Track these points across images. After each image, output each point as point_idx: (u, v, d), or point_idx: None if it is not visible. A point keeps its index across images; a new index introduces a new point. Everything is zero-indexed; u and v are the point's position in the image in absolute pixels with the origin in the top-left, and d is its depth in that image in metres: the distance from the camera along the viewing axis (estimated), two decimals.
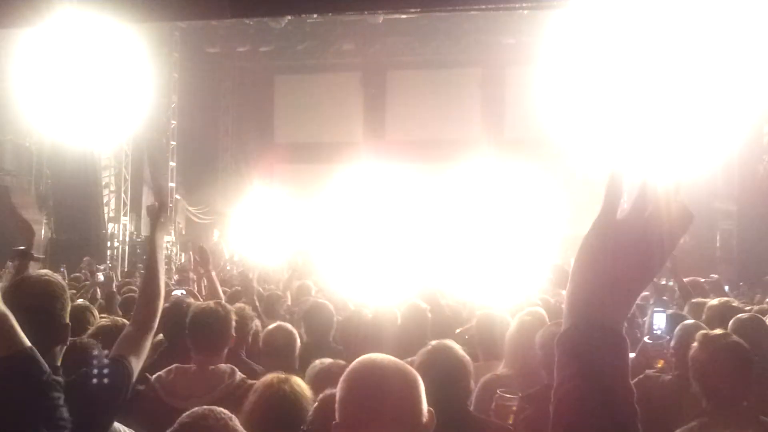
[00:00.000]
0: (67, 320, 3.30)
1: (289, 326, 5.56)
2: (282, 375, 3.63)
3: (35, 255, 3.82)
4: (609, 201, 1.44)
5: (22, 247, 4.52)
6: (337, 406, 2.50)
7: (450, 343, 3.82)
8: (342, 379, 2.54)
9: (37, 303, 3.13)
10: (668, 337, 5.30)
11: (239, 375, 4.44)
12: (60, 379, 2.67)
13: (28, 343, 2.59)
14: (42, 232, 20.19)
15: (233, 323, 4.88)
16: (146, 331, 3.39)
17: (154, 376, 4.48)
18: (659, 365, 5.62)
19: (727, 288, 11.62)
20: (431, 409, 2.50)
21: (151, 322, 3.43)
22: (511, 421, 3.96)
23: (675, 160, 1.42)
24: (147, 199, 23.04)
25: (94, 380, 3.10)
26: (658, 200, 1.39)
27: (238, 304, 6.23)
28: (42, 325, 3.11)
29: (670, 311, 6.27)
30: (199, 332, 4.69)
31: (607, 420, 1.36)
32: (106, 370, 3.19)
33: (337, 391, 2.53)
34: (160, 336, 5.43)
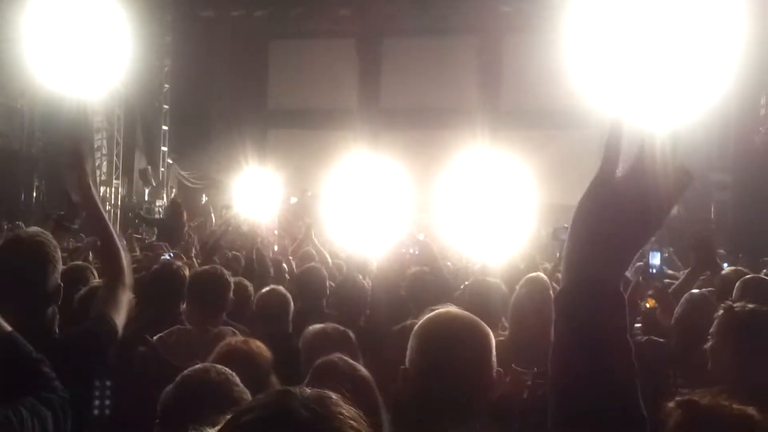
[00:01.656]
0: (59, 280, 3.27)
1: (282, 290, 5.58)
2: (241, 337, 3.70)
3: (69, 225, 3.75)
4: (607, 160, 1.45)
5: (61, 213, 4.46)
6: (409, 354, 2.62)
7: (452, 306, 3.82)
8: (415, 331, 2.67)
9: (28, 264, 3.11)
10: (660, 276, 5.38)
11: (237, 337, 4.48)
12: (43, 357, 2.63)
13: (8, 328, 2.55)
14: (34, 194, 20.17)
15: (231, 287, 4.92)
16: (118, 286, 3.35)
17: (156, 337, 4.51)
18: (649, 305, 5.69)
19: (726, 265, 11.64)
20: (500, 369, 2.58)
21: (120, 277, 3.39)
22: (526, 396, 3.96)
23: (674, 121, 1.40)
24: (139, 162, 22.99)
25: (80, 339, 3.08)
26: (656, 159, 1.39)
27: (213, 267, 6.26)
28: (34, 285, 3.09)
29: (665, 254, 6.35)
30: (199, 296, 4.73)
31: (605, 376, 1.37)
32: (90, 329, 3.16)
33: (411, 341, 2.65)
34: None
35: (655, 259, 5.89)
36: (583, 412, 1.36)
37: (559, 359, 1.43)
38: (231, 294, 4.89)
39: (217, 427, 1.39)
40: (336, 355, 2.96)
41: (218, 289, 4.78)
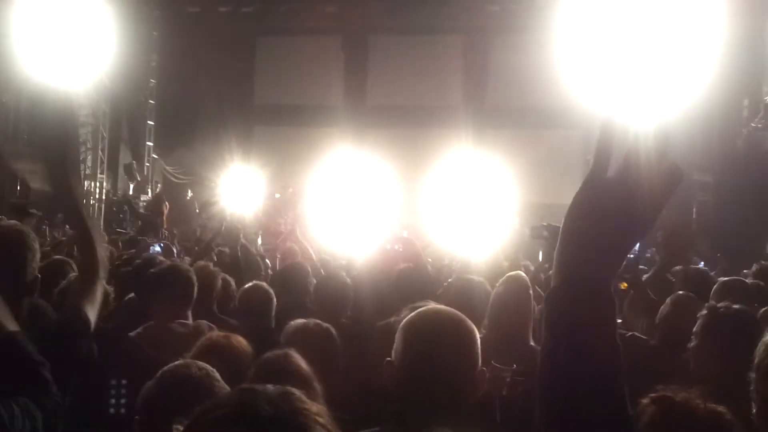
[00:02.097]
0: (37, 273, 3.27)
1: (265, 285, 5.60)
2: (222, 333, 3.70)
3: (31, 210, 3.72)
4: (599, 159, 1.44)
5: (17, 201, 4.44)
6: (394, 347, 2.68)
7: (433, 303, 3.85)
8: (402, 326, 2.72)
9: (6, 253, 3.10)
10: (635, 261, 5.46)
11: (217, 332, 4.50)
12: (44, 360, 2.64)
13: (11, 327, 2.56)
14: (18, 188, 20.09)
15: (194, 281, 4.91)
16: (91, 280, 3.33)
17: (134, 333, 4.51)
18: (623, 287, 5.76)
19: (702, 264, 11.70)
20: (484, 368, 2.65)
21: (94, 270, 3.37)
22: (504, 393, 3.98)
23: (664, 121, 1.41)
24: (124, 157, 22.93)
25: (51, 332, 3.07)
26: (647, 158, 1.39)
27: (200, 263, 6.27)
28: (12, 276, 3.08)
29: (647, 254, 6.44)
30: (160, 289, 4.75)
31: (594, 376, 1.37)
32: (61, 321, 3.16)
33: (397, 335, 2.70)
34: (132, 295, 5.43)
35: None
36: (571, 411, 1.37)
37: (548, 358, 1.43)
38: (194, 288, 4.88)
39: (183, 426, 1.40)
40: (282, 351, 2.95)
41: (177, 282, 4.78)
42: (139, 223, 17.19)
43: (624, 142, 1.43)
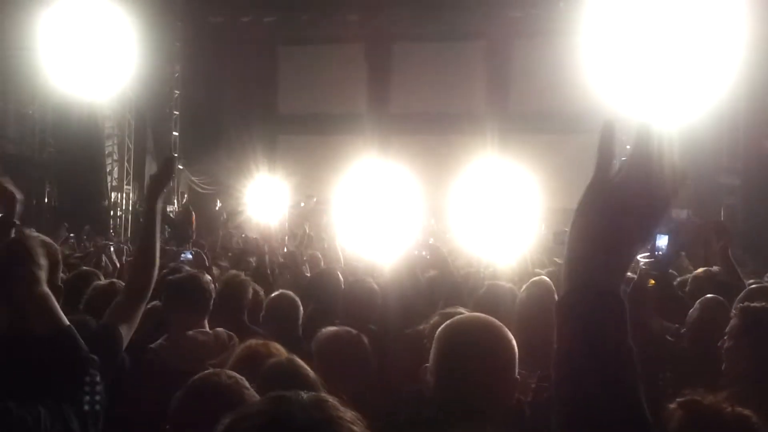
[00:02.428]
0: (59, 283, 3.29)
1: (291, 294, 5.59)
2: (260, 340, 3.70)
3: (18, 223, 3.74)
4: (601, 163, 1.45)
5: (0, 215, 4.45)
6: (431, 355, 2.68)
7: (462, 309, 3.85)
8: (438, 333, 2.72)
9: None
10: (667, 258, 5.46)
11: (236, 340, 4.53)
12: (96, 358, 2.65)
13: (66, 321, 2.58)
14: (45, 200, 20.23)
15: (210, 290, 4.92)
16: (139, 299, 3.37)
17: (155, 344, 4.52)
18: (650, 283, 5.73)
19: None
20: (523, 372, 2.71)
21: (145, 291, 3.41)
22: (530, 399, 3.96)
23: (671, 122, 1.40)
24: (150, 168, 23.04)
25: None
26: (649, 158, 1.38)
27: (232, 272, 6.28)
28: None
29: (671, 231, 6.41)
30: (177, 299, 4.76)
31: (608, 381, 1.37)
32: (95, 337, 3.17)
33: (434, 342, 2.70)
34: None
35: (662, 240, 5.92)
36: (586, 416, 1.37)
37: (562, 364, 1.43)
38: (209, 297, 4.89)
39: None
40: (217, 369, 2.92)
41: (192, 291, 4.79)
42: (167, 228, 17.23)
43: (625, 145, 1.43)
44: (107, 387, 3.12)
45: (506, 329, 2.74)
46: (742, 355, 3.81)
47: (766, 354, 3.69)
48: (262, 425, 1.32)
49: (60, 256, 3.39)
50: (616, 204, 1.41)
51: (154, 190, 3.73)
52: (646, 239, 1.46)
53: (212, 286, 4.99)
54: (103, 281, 5.52)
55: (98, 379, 2.58)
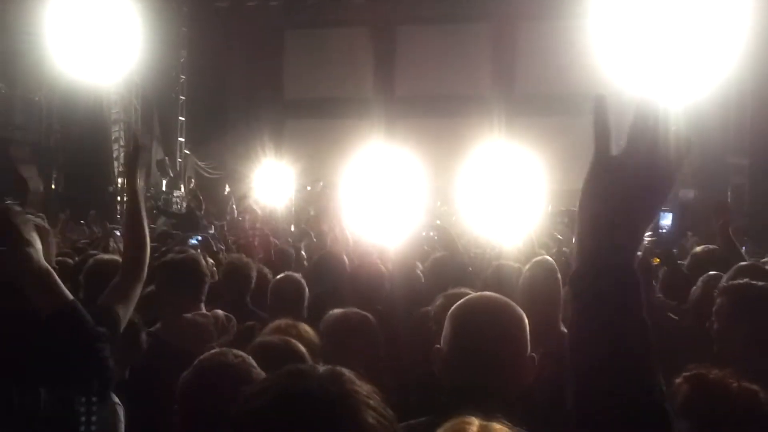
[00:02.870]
0: (55, 265, 3.31)
1: (297, 276, 5.59)
2: (290, 320, 3.69)
3: (26, 211, 3.75)
4: (599, 140, 1.45)
5: (9, 201, 4.44)
6: (444, 334, 2.67)
7: (467, 290, 3.85)
8: (451, 313, 2.71)
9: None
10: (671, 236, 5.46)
11: (235, 322, 4.56)
12: (104, 330, 2.66)
13: (70, 296, 2.58)
14: (52, 186, 20.25)
15: (205, 272, 4.91)
16: (134, 280, 3.36)
17: (153, 328, 4.52)
18: (655, 262, 5.72)
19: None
20: (533, 354, 2.66)
21: (139, 271, 3.40)
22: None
23: (676, 99, 1.40)
24: (156, 153, 23.05)
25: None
26: (652, 132, 1.39)
27: (235, 255, 6.28)
28: None
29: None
30: (171, 281, 4.77)
31: (623, 355, 1.38)
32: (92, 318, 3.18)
33: (446, 322, 2.69)
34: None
35: (666, 219, 5.93)
36: (601, 390, 1.37)
37: (576, 340, 1.44)
38: (204, 279, 4.88)
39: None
40: (224, 348, 2.92)
41: (185, 273, 4.78)
42: (173, 222, 17.21)
43: (622, 121, 1.43)
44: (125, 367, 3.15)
45: (518, 308, 2.74)
46: (734, 335, 3.75)
47: (757, 332, 3.63)
48: (277, 399, 1.32)
49: (52, 239, 3.39)
50: (620, 180, 1.41)
51: (129, 170, 3.74)
52: (653, 213, 1.46)
53: (208, 268, 4.99)
54: (107, 256, 5.52)
55: (107, 353, 2.59)
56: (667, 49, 9.18)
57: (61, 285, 2.58)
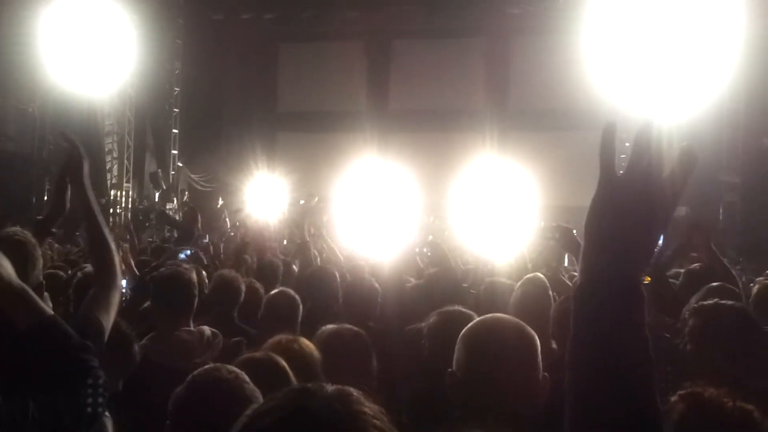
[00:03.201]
0: (41, 279, 3.30)
1: (291, 292, 5.56)
2: (290, 336, 3.69)
3: (52, 230, 3.75)
4: (605, 158, 1.47)
5: (41, 218, 4.43)
6: (456, 357, 2.68)
7: (460, 308, 3.86)
8: (463, 335, 2.72)
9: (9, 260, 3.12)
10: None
11: (221, 338, 4.55)
12: (90, 343, 2.65)
13: (50, 311, 2.58)
14: (45, 198, 20.23)
15: (194, 288, 4.90)
16: (108, 287, 3.31)
17: (141, 342, 4.51)
18: (645, 280, 5.70)
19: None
20: (546, 374, 2.64)
21: (110, 276, 3.34)
22: None
23: (670, 117, 1.42)
24: (149, 166, 23.04)
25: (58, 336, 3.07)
26: (656, 149, 1.41)
27: (224, 270, 6.26)
28: None
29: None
30: (160, 297, 4.76)
31: (622, 371, 1.38)
32: (75, 328, 3.17)
33: (458, 345, 2.70)
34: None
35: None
36: (599, 406, 1.38)
37: (576, 354, 1.44)
38: (194, 295, 4.88)
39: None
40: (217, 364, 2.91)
41: (178, 289, 4.78)
42: (174, 233, 17.21)
43: (626, 139, 1.45)
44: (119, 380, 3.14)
45: (529, 329, 2.74)
46: (705, 356, 3.68)
47: (727, 352, 3.58)
48: (283, 419, 1.29)
49: (38, 252, 3.38)
50: (628, 196, 1.43)
51: (75, 178, 3.60)
52: (660, 228, 1.46)
53: (196, 283, 4.97)
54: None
55: (95, 363, 2.58)
56: (660, 65, 9.23)
57: (37, 301, 2.56)
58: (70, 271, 6.74)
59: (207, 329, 4.70)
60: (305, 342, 3.62)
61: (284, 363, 3.25)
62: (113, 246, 3.39)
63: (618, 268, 1.42)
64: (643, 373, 1.39)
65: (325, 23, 24.61)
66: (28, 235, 3.43)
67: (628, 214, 1.43)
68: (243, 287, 5.86)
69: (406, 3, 23.28)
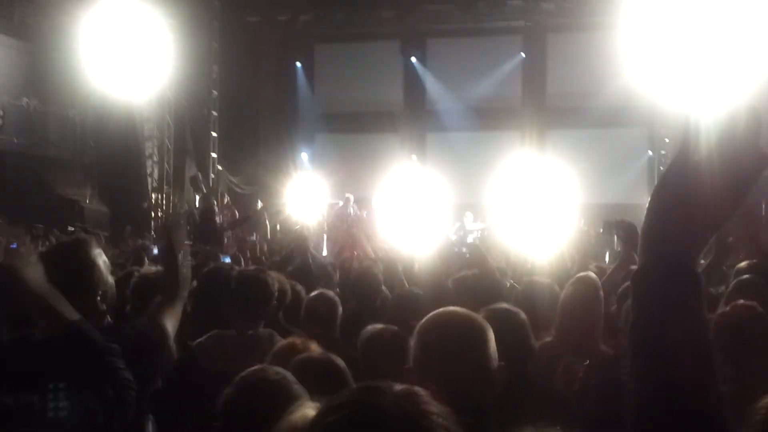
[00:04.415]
0: (111, 280, 3.38)
1: (330, 293, 5.60)
2: (301, 339, 3.73)
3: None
4: (686, 142, 1.45)
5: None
6: (412, 353, 2.68)
7: (506, 305, 3.88)
8: (416, 330, 2.72)
9: (77, 266, 3.20)
10: None
11: (278, 338, 4.56)
12: (116, 346, 2.72)
13: (77, 315, 2.64)
14: (87, 202, 20.45)
15: (275, 290, 4.96)
16: (175, 297, 3.43)
17: (195, 342, 4.57)
18: None
19: None
20: (502, 363, 2.63)
21: (179, 288, 3.46)
22: (578, 387, 3.96)
23: (749, 105, 1.40)
24: (189, 169, 23.18)
25: (129, 343, 3.15)
26: (731, 143, 1.39)
27: (272, 274, 6.29)
28: (89, 284, 3.20)
29: None
30: (241, 298, 4.81)
31: (682, 353, 1.38)
32: (138, 333, 3.25)
33: (413, 340, 2.71)
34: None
35: None
36: (666, 392, 1.37)
37: (637, 338, 1.43)
38: (274, 298, 4.94)
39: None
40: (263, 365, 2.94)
41: (259, 290, 4.83)
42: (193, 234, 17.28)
43: (708, 131, 1.43)
44: (154, 381, 3.20)
45: (479, 318, 2.77)
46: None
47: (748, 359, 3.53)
48: (352, 416, 1.31)
49: (95, 259, 3.48)
50: (697, 182, 1.42)
51: (172, 234, 3.70)
52: (725, 217, 1.46)
53: (274, 287, 5.02)
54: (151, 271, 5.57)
55: (120, 365, 2.64)
56: (702, 58, 9.10)
57: (64, 305, 2.63)
58: (120, 274, 6.82)
59: (266, 332, 4.74)
60: (313, 346, 3.65)
61: (341, 362, 3.30)
62: (187, 261, 3.50)
63: (678, 251, 1.42)
64: (706, 353, 1.39)
65: (360, 24, 24.62)
66: (95, 241, 3.52)
67: (696, 199, 1.41)
68: (288, 288, 5.89)
69: (442, 2, 23.22)
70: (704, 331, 1.41)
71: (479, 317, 2.79)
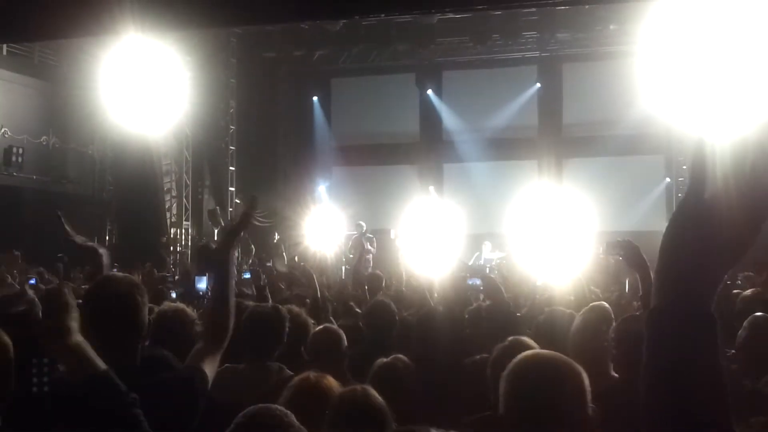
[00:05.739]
0: (148, 317, 3.40)
1: (334, 328, 5.60)
2: (316, 373, 3.71)
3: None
4: (695, 180, 1.43)
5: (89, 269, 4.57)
6: (502, 399, 2.60)
7: (525, 339, 3.86)
8: (507, 375, 2.64)
9: (122, 301, 3.22)
10: None
11: (287, 372, 4.55)
12: (136, 396, 2.71)
13: (103, 365, 2.64)
14: (106, 238, 20.53)
15: (286, 326, 4.96)
16: (218, 347, 3.43)
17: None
18: None
19: None
20: (594, 406, 2.58)
21: (223, 339, 3.46)
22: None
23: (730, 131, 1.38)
24: (208, 203, 23.29)
25: (172, 386, 3.16)
26: (743, 178, 1.36)
27: (294, 309, 6.25)
28: (127, 322, 3.22)
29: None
30: (252, 333, 4.80)
31: (696, 398, 1.35)
32: (184, 377, 3.27)
33: (503, 385, 2.62)
34: None
35: None
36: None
37: (651, 380, 1.41)
38: (285, 334, 4.94)
39: None
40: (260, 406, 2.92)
41: (271, 327, 4.84)
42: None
43: (718, 163, 1.41)
44: (191, 426, 3.20)
45: (575, 364, 2.68)
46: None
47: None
48: None
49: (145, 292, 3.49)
50: (709, 220, 1.39)
51: (231, 238, 3.78)
52: (739, 256, 1.42)
53: (285, 320, 5.03)
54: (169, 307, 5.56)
55: (141, 417, 2.63)
56: (716, 88, 9.07)
57: (93, 356, 2.62)
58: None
59: (276, 365, 4.74)
60: (329, 378, 3.63)
61: (381, 400, 3.28)
62: (233, 310, 3.49)
63: (692, 292, 1.39)
64: (719, 398, 1.37)
65: (375, 57, 24.79)
66: (135, 278, 3.54)
67: (710, 238, 1.39)
68: (311, 326, 5.86)
69: (456, 34, 23.31)
70: (719, 374, 1.37)
71: (574, 363, 2.70)
